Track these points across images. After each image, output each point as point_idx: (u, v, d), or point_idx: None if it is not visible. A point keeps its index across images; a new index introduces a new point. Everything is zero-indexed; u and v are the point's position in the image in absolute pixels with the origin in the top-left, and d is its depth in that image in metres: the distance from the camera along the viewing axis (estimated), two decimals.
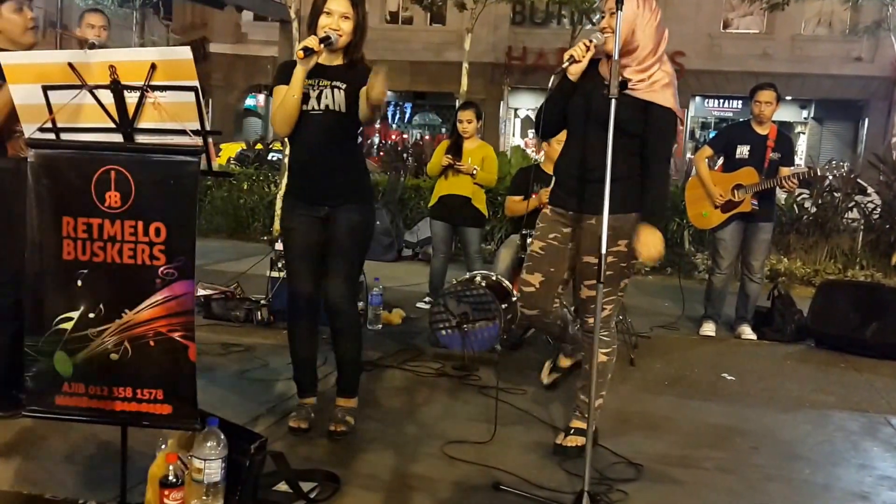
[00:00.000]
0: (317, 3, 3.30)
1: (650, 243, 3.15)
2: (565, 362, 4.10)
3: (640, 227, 3.18)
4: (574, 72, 3.22)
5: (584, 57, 3.18)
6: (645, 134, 3.21)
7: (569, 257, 3.41)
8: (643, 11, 3.14)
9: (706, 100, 23.84)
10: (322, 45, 3.19)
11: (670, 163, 3.55)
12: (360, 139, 3.48)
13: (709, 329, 5.94)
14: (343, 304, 3.45)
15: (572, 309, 3.76)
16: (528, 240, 5.26)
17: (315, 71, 3.27)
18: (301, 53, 3.15)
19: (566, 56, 3.19)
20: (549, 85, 3.34)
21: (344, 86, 3.30)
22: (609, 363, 3.43)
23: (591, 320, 3.33)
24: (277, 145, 11.74)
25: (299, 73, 3.21)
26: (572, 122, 3.36)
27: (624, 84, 3.06)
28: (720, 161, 5.96)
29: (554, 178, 3.56)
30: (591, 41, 3.17)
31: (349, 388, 3.62)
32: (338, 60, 3.36)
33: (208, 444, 2.51)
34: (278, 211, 9.46)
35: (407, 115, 26.81)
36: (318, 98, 3.30)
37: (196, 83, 2.39)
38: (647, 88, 3.17)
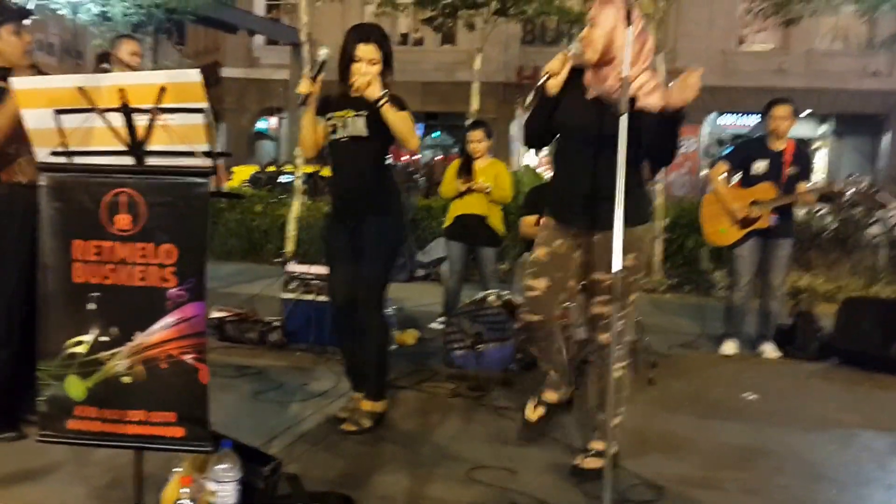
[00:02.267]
0: (346, 49, 3.66)
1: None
2: (552, 396, 3.72)
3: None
4: (553, 86, 3.22)
5: (561, 70, 3.19)
6: (642, 141, 3.14)
7: (576, 268, 3.41)
8: (623, 23, 3.11)
9: (721, 116, 23.80)
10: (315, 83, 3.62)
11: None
12: (387, 160, 3.91)
13: (729, 348, 5.89)
14: (365, 306, 3.77)
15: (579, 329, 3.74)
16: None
17: (343, 102, 3.71)
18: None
19: (543, 72, 3.19)
20: (527, 101, 3.38)
21: (366, 112, 3.66)
22: (625, 378, 3.42)
23: (603, 336, 3.34)
24: (290, 168, 11.82)
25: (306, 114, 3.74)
26: (564, 138, 3.35)
27: (632, 101, 3.02)
28: (736, 177, 5.93)
29: (553, 195, 3.53)
30: (567, 52, 3.17)
31: (370, 391, 3.87)
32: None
33: (222, 467, 2.51)
34: (291, 233, 9.50)
35: (419, 136, 26.90)
36: (344, 126, 3.71)
37: (205, 105, 2.40)
38: (641, 95, 3.14)
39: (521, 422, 3.72)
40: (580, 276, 3.44)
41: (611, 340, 3.30)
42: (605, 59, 3.15)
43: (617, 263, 2.89)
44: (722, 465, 3.64)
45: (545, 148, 3.68)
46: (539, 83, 3.22)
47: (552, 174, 3.53)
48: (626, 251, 3.18)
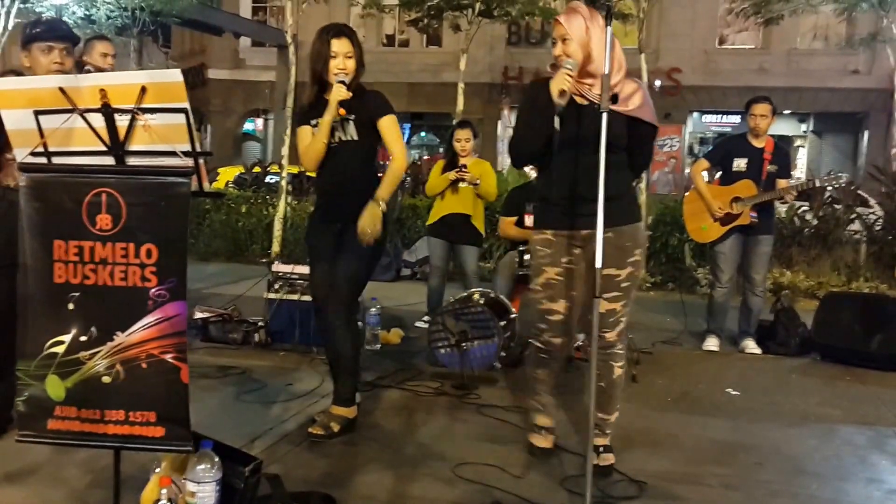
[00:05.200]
0: (320, 49, 3.62)
1: None
2: (547, 421, 3.63)
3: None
4: (564, 102, 3.19)
5: (571, 87, 3.20)
6: (630, 147, 3.30)
7: (582, 278, 3.39)
8: (594, 30, 3.20)
9: (704, 115, 23.93)
10: (348, 91, 3.59)
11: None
12: (375, 160, 3.88)
13: (712, 344, 5.91)
14: (334, 305, 3.70)
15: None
16: (526, 256, 5.27)
17: (325, 108, 3.63)
18: (343, 111, 3.60)
19: (557, 91, 3.15)
20: (517, 118, 3.45)
21: (353, 117, 3.66)
22: (623, 376, 3.47)
23: (608, 335, 3.35)
24: (275, 168, 11.77)
25: (327, 123, 3.62)
26: (559, 146, 3.31)
27: (614, 98, 3.11)
28: (717, 175, 5.96)
29: (543, 202, 3.49)
30: (569, 68, 3.17)
31: (339, 395, 3.79)
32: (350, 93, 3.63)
33: (202, 467, 2.49)
34: (276, 233, 9.46)
35: (405, 136, 26.91)
36: (333, 132, 3.67)
37: (186, 105, 2.38)
38: (625, 103, 3.23)
39: (535, 450, 3.58)
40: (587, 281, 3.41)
41: (617, 338, 3.37)
42: (588, 68, 3.22)
43: (598, 262, 2.92)
44: (704, 460, 3.65)
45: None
46: (557, 102, 3.15)
47: (543, 184, 3.50)
48: (633, 248, 3.32)
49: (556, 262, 3.40)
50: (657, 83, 19.34)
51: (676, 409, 4.44)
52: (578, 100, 3.28)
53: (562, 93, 3.15)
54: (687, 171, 20.74)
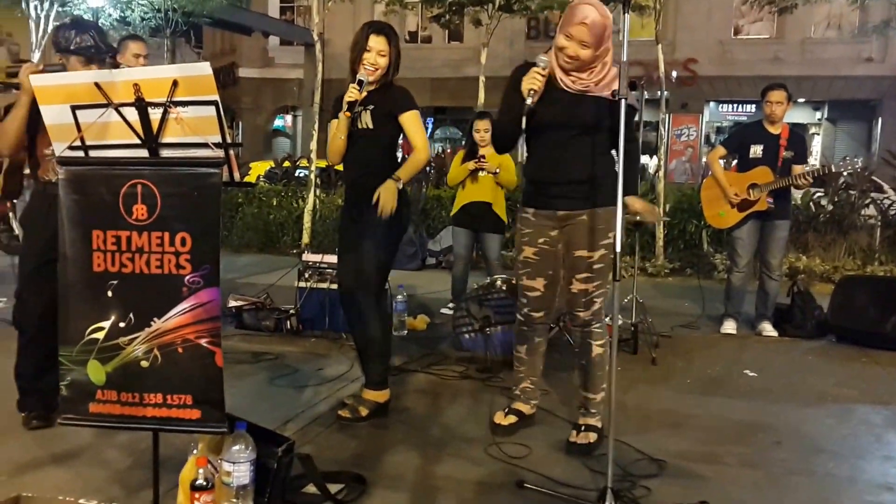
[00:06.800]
0: (358, 41, 3.64)
1: (648, 206, 3.52)
2: (524, 408, 3.67)
3: (633, 200, 3.35)
4: (535, 101, 3.22)
5: (541, 85, 3.21)
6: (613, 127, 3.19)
7: (561, 257, 3.45)
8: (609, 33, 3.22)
9: (720, 105, 23.63)
10: (361, 90, 3.59)
11: (638, 144, 3.67)
12: (394, 151, 3.89)
13: (729, 327, 5.87)
14: (361, 292, 3.68)
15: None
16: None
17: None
18: (348, 113, 3.62)
19: (527, 91, 3.19)
20: (500, 104, 3.45)
21: (372, 107, 3.66)
22: (605, 355, 3.44)
23: (583, 314, 3.38)
24: (304, 162, 11.78)
25: (344, 121, 3.65)
26: (542, 129, 3.37)
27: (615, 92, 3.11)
28: (735, 162, 5.89)
29: (528, 182, 3.54)
30: (542, 67, 3.21)
31: (370, 378, 3.79)
32: (372, 86, 3.67)
33: (237, 448, 2.50)
34: (306, 225, 9.49)
35: (428, 130, 26.88)
36: (355, 121, 3.69)
37: (216, 97, 2.38)
38: (603, 87, 3.25)
39: (491, 424, 3.61)
40: (563, 262, 3.47)
41: (592, 317, 3.38)
42: (583, 67, 3.24)
43: (617, 246, 2.86)
44: (722, 439, 3.62)
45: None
46: (525, 102, 3.21)
47: (527, 165, 3.53)
48: (607, 230, 3.31)
49: (533, 242, 3.46)
50: (674, 74, 19.12)
51: (695, 391, 4.41)
52: (559, 84, 3.28)
53: (531, 92, 3.19)
54: (704, 160, 20.53)
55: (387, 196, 3.53)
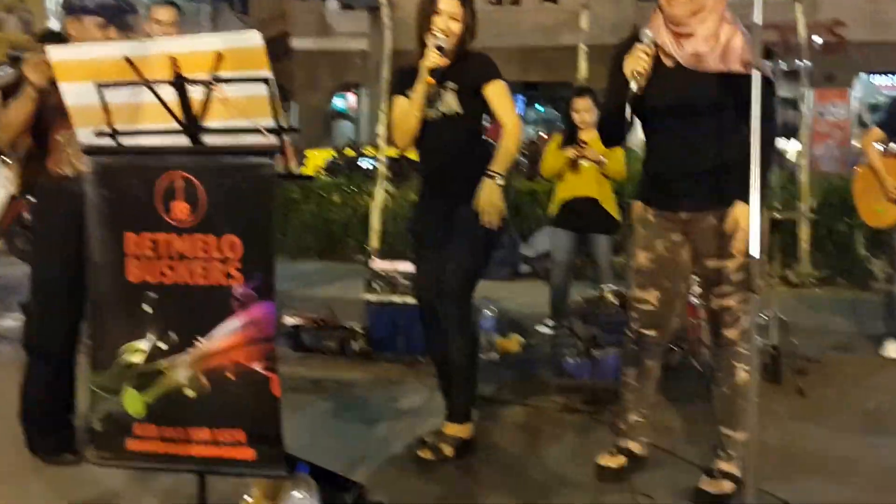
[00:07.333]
0: (426, 2, 3.63)
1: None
2: (635, 447, 3.60)
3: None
4: (642, 86, 3.22)
5: (648, 68, 3.23)
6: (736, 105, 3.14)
7: (686, 265, 3.41)
8: None
9: (873, 77, 22.89)
10: (442, 55, 3.55)
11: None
12: (482, 137, 3.85)
13: (892, 350, 5.70)
14: (449, 300, 3.67)
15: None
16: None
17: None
18: (431, 79, 3.55)
19: (632, 73, 3.20)
20: (605, 97, 3.48)
21: (455, 86, 3.64)
22: (749, 383, 3.28)
23: (729, 333, 3.33)
24: (370, 151, 11.92)
25: (421, 92, 3.60)
26: (656, 115, 3.36)
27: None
28: (894, 146, 5.70)
29: (645, 178, 3.53)
30: (647, 44, 3.24)
31: (453, 410, 3.78)
32: (446, 60, 3.62)
33: (297, 495, 2.50)
34: (374, 225, 9.56)
35: (518, 110, 26.88)
36: (432, 104, 3.66)
37: (269, 73, 2.38)
38: (725, 57, 3.18)
39: (596, 467, 3.55)
40: (691, 273, 3.44)
41: (738, 337, 3.33)
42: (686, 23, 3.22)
43: (754, 248, 2.76)
44: (890, 490, 3.50)
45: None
46: (631, 89, 3.21)
47: (645, 156, 3.52)
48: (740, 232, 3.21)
49: (651, 247, 3.42)
50: (817, 39, 18.61)
51: (853, 428, 4.30)
52: (666, 60, 3.26)
53: (636, 74, 3.19)
54: (856, 143, 19.89)
55: (490, 199, 3.53)
